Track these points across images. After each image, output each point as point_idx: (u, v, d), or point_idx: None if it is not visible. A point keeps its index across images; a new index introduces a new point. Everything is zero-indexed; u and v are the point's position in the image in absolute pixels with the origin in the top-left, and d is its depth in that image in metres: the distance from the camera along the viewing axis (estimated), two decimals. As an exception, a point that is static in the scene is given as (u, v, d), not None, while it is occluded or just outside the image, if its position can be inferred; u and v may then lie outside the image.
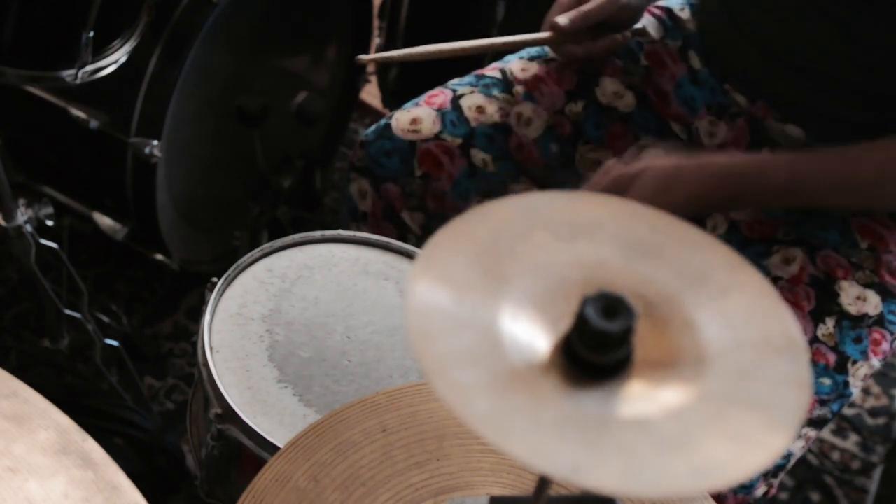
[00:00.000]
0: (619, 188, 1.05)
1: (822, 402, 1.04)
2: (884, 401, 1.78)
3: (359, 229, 1.26)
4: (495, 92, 1.21)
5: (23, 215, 1.27)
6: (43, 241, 1.31)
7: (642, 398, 0.50)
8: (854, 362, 1.05)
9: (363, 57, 1.12)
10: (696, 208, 1.05)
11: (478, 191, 1.20)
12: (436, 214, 1.21)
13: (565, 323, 0.51)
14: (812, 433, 1.05)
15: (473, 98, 1.21)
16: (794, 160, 1.05)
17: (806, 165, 1.04)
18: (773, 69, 1.11)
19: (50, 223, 1.33)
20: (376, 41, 1.79)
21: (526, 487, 0.75)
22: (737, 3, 1.14)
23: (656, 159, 1.07)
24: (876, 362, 1.07)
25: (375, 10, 1.77)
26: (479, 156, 1.20)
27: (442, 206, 1.20)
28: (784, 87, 1.11)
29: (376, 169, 1.21)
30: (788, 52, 1.09)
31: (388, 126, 1.21)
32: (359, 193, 1.23)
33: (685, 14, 1.25)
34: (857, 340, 1.05)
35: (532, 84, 1.22)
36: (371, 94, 2.02)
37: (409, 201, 1.21)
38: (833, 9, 1.03)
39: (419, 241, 1.23)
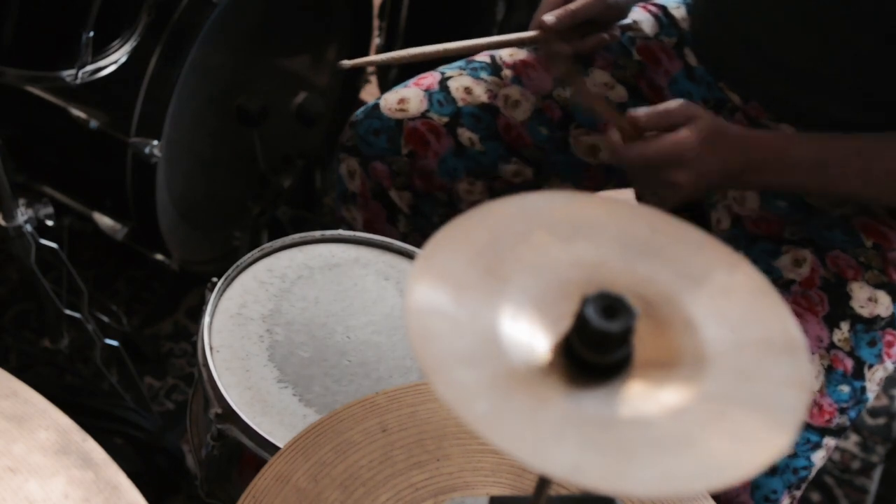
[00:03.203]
0: (671, 122, 1.01)
1: (842, 411, 1.02)
2: (884, 401, 1.78)
3: (349, 211, 1.27)
4: (483, 75, 1.23)
5: (23, 215, 1.27)
6: (43, 241, 1.31)
7: (642, 398, 0.50)
8: (870, 366, 1.04)
9: (346, 62, 1.12)
10: (723, 176, 1.01)
11: (467, 170, 1.21)
12: (424, 193, 1.22)
13: (565, 323, 0.51)
14: (832, 442, 1.03)
15: (461, 80, 1.22)
16: (820, 138, 1.04)
17: (832, 144, 1.03)
18: (764, 70, 1.11)
19: (50, 223, 1.33)
20: (376, 41, 1.79)
21: (526, 487, 0.75)
22: (725, 4, 1.14)
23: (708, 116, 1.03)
24: (890, 365, 1.06)
25: (375, 10, 1.77)
26: (465, 135, 1.20)
27: (429, 186, 1.21)
28: (776, 88, 1.11)
29: (364, 148, 1.22)
30: (778, 54, 1.09)
31: (376, 106, 1.23)
32: (348, 173, 1.25)
33: (680, 12, 1.25)
34: (872, 343, 1.04)
35: (520, 68, 1.23)
36: (371, 94, 2.02)
37: (397, 180, 1.22)
38: (814, 13, 1.03)
39: (408, 221, 1.23)
